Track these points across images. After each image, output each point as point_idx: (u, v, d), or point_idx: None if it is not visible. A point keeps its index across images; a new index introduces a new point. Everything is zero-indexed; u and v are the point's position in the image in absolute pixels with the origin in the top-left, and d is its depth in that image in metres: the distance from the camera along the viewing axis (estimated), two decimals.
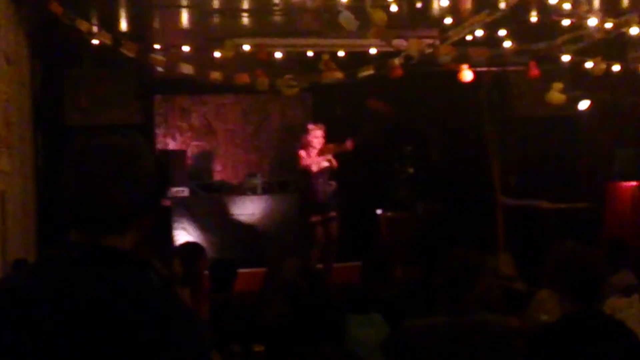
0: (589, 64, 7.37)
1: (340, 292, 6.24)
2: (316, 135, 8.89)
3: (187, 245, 7.02)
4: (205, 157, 11.21)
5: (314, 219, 8.92)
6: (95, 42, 6.91)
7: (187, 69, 7.08)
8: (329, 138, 9.03)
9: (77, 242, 1.84)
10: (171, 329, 1.80)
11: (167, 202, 10.03)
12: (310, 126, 9.02)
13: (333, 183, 9.62)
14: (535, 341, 3.61)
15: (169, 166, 10.21)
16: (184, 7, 8.18)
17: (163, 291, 1.89)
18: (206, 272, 6.14)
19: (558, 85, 7.63)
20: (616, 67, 7.52)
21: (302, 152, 8.89)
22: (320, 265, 8.78)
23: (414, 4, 7.09)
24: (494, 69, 8.47)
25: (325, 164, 8.93)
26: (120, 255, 1.84)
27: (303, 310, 4.77)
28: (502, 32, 7.25)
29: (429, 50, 6.95)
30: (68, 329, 1.76)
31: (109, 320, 1.77)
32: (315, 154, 8.89)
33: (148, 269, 1.89)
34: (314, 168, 8.84)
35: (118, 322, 1.76)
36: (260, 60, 7.64)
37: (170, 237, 9.71)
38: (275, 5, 8.14)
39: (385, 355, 4.69)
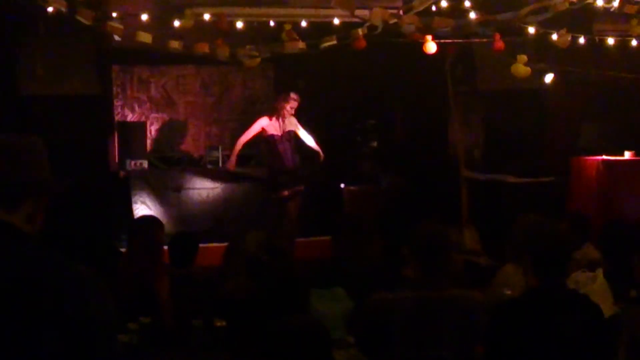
0: (554, 36, 7.33)
1: (303, 267, 6.16)
2: (293, 106, 8.95)
3: (144, 218, 6.91)
4: (165, 130, 11.06)
5: (284, 193, 8.86)
6: (50, 9, 6.70)
7: (145, 37, 6.90)
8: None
9: None
10: (65, 298, 2.03)
11: (122, 173, 9.85)
12: (293, 95, 9.00)
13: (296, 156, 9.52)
14: (499, 315, 3.59)
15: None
16: None
17: (59, 263, 2.11)
18: (166, 248, 6.04)
19: (523, 58, 7.58)
20: (582, 40, 7.49)
21: (263, 120, 8.86)
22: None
23: None
24: (458, 40, 8.39)
25: (291, 127, 8.95)
26: (5, 226, 2.12)
27: (266, 284, 4.70)
28: (467, 4, 7.18)
29: (393, 20, 6.84)
30: None
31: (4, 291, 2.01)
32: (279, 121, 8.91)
33: (36, 242, 2.16)
34: (278, 132, 8.83)
35: (12, 291, 2.01)
36: (220, 30, 7.49)
37: (129, 211, 9.56)
38: None
39: (349, 331, 4.64)
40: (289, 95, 9.02)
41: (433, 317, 3.78)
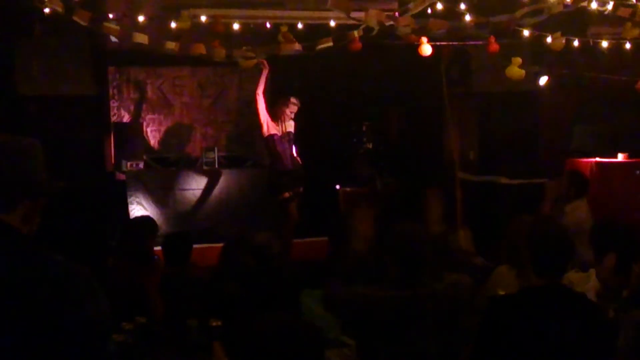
0: (548, 39, 7.35)
1: (298, 267, 6.18)
2: (293, 110, 8.91)
3: (137, 219, 6.93)
4: (161, 131, 11.07)
5: (286, 194, 8.81)
6: (46, 9, 6.70)
7: (141, 38, 6.89)
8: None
9: None
10: (60, 297, 2.06)
11: (122, 176, 9.88)
12: (293, 100, 8.95)
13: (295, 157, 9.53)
14: (494, 310, 3.57)
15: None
16: None
17: (54, 262, 2.15)
18: (159, 248, 6.07)
19: (517, 60, 7.59)
20: (576, 43, 7.52)
21: (263, 121, 8.82)
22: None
23: None
24: (453, 43, 8.41)
25: (290, 129, 8.89)
26: (1, 226, 2.14)
27: (253, 288, 4.73)
28: (462, 6, 7.19)
29: (389, 22, 6.85)
30: None
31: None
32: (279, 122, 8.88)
33: (33, 242, 2.20)
34: (278, 132, 8.79)
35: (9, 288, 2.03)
36: (217, 32, 7.50)
37: (125, 212, 9.57)
38: None
39: (344, 331, 4.66)
40: (288, 99, 8.95)
41: (415, 314, 3.81)
